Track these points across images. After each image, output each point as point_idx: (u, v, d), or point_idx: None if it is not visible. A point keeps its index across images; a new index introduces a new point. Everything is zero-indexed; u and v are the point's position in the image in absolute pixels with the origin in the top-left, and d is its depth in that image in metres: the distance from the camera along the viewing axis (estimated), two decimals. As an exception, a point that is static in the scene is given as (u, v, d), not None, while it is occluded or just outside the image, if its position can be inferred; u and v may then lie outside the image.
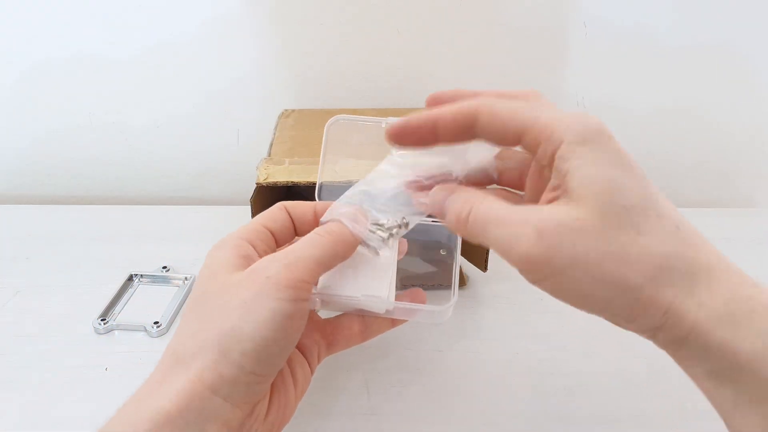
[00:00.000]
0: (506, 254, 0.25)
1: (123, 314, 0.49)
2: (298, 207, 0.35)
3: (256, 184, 0.48)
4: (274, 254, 0.30)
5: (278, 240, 0.34)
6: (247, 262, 0.30)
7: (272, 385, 0.30)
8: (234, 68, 0.68)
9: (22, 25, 0.65)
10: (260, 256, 0.31)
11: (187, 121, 0.71)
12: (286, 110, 0.67)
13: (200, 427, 0.26)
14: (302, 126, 0.62)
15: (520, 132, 0.26)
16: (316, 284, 0.32)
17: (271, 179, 0.48)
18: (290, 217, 0.35)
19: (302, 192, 0.68)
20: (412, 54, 0.67)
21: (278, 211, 0.35)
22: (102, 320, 0.48)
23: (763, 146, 0.73)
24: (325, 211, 0.35)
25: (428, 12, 0.64)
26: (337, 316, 0.36)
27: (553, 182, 0.26)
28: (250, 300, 0.28)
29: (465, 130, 0.27)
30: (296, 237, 0.35)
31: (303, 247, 0.30)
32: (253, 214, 0.47)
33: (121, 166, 0.74)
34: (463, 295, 0.51)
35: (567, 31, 0.65)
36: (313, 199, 0.69)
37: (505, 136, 0.27)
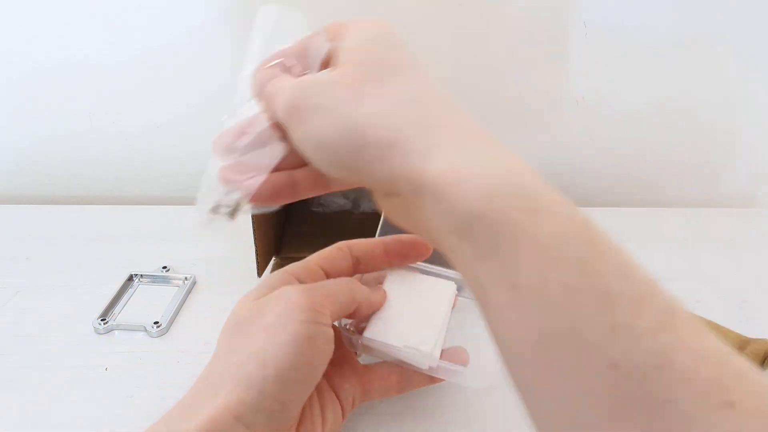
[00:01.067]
0: (277, 109, 0.27)
1: (123, 314, 0.49)
2: (363, 244, 0.36)
3: (256, 184, 0.47)
4: (297, 284, 0.32)
5: (332, 278, 0.35)
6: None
7: (300, 420, 0.30)
8: (234, 68, 0.68)
9: (22, 26, 0.65)
10: None
11: (187, 121, 0.71)
12: (286, 110, 0.67)
13: None
14: (302, 126, 0.62)
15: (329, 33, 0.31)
16: (337, 319, 0.32)
17: (271, 179, 0.48)
18: (352, 254, 0.35)
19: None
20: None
21: (336, 250, 0.36)
22: (102, 320, 0.48)
23: (763, 146, 0.73)
24: (392, 245, 0.36)
25: (428, 12, 0.64)
26: (377, 364, 0.36)
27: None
28: (272, 323, 0.29)
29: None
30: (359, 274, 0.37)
31: (327, 283, 0.32)
32: (253, 214, 0.47)
33: (121, 167, 0.74)
34: (463, 294, 0.51)
35: (567, 31, 0.65)
36: (314, 199, 0.69)
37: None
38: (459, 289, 0.37)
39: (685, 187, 0.76)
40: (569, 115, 0.71)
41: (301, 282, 0.33)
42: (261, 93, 0.30)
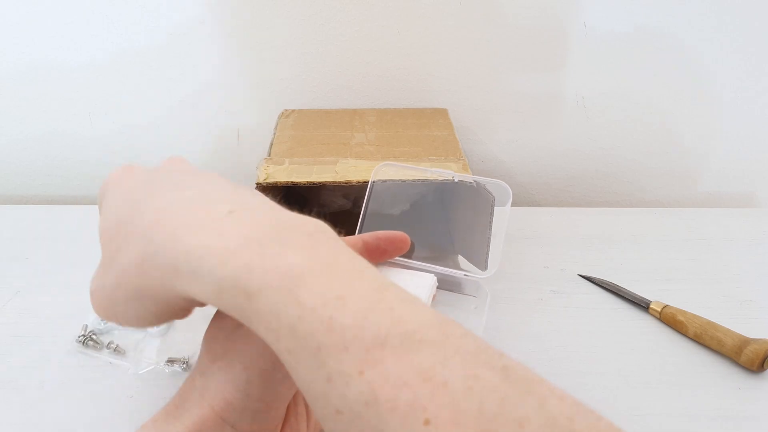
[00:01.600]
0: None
1: (123, 314, 0.49)
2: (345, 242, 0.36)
3: (256, 184, 0.48)
4: None
5: None
6: None
7: (285, 417, 0.31)
8: (234, 68, 0.68)
9: (22, 26, 0.65)
10: None
11: (188, 120, 0.71)
12: (286, 110, 0.67)
13: None
14: (302, 126, 0.62)
15: None
16: None
17: (271, 179, 0.48)
18: None
19: (302, 192, 0.68)
20: (412, 54, 0.67)
21: None
22: (102, 320, 0.48)
23: (763, 147, 0.73)
24: (371, 242, 0.36)
25: (428, 12, 0.64)
26: None
27: None
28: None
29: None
30: None
31: None
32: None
33: (121, 166, 0.74)
34: (463, 294, 0.51)
35: (567, 31, 0.65)
36: (312, 197, 0.69)
37: None
38: (438, 281, 0.37)
39: (685, 187, 0.76)
40: (569, 115, 0.71)
41: None
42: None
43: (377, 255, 0.36)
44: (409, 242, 0.37)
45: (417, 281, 0.36)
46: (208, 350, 0.30)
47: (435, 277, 0.36)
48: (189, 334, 0.47)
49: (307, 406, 0.33)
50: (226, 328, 0.30)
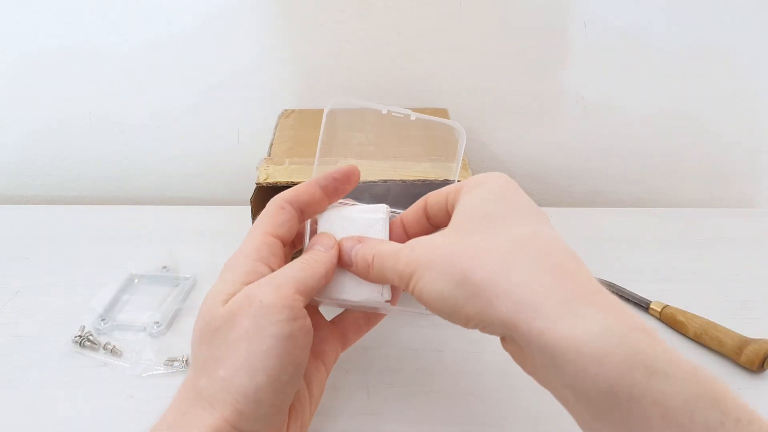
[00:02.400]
0: (392, 271, 0.30)
1: (123, 314, 0.49)
2: (300, 193, 0.35)
3: (256, 184, 0.48)
4: (263, 278, 0.30)
5: (285, 242, 0.34)
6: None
7: (291, 407, 0.31)
8: (234, 68, 0.68)
9: (22, 25, 0.65)
10: (274, 268, 0.32)
11: (187, 121, 0.71)
12: (286, 110, 0.67)
13: None
14: (302, 126, 0.62)
15: (445, 195, 0.33)
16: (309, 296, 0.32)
17: (271, 179, 0.48)
18: (294, 208, 0.34)
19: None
20: (412, 54, 0.67)
21: (279, 211, 0.34)
22: (102, 320, 0.48)
23: (762, 146, 0.73)
24: (327, 183, 0.36)
25: (428, 12, 0.64)
26: (342, 315, 0.38)
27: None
28: (250, 330, 0.28)
29: (423, 221, 0.35)
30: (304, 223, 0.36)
31: (291, 270, 0.31)
32: (253, 214, 0.47)
33: (121, 166, 0.74)
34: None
35: (567, 31, 0.65)
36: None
37: (439, 206, 0.33)
38: (389, 209, 0.37)
39: (686, 187, 0.76)
40: (569, 115, 0.71)
41: (261, 261, 0.31)
42: (363, 262, 0.32)
43: (336, 194, 0.36)
44: (359, 172, 0.37)
45: (370, 215, 0.36)
46: (204, 356, 0.29)
47: (387, 206, 0.37)
48: (188, 335, 0.47)
49: (308, 383, 0.33)
50: (216, 332, 0.29)
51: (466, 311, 0.26)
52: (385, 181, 0.47)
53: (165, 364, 0.44)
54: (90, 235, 0.62)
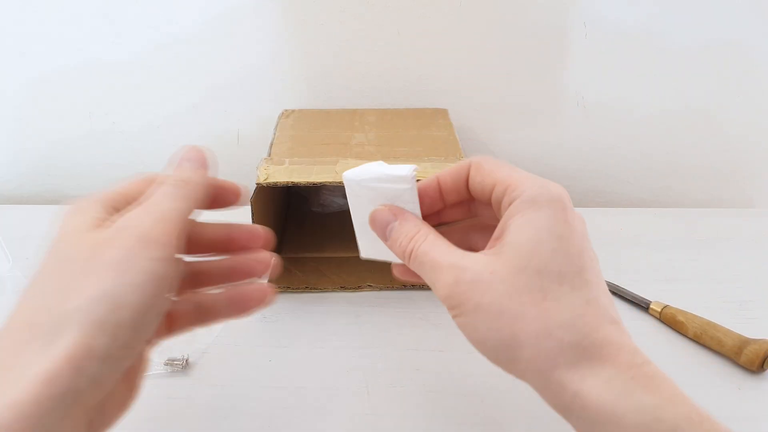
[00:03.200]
0: (434, 291, 0.29)
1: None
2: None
3: (256, 184, 0.48)
4: (138, 209, 0.27)
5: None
6: (110, 222, 0.27)
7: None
8: (234, 68, 0.68)
9: (21, 24, 0.65)
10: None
11: (187, 121, 0.71)
12: (286, 110, 0.67)
13: (62, 414, 0.22)
14: (302, 126, 0.62)
15: (494, 183, 0.29)
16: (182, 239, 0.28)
17: (271, 179, 0.48)
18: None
19: (302, 192, 0.68)
20: (412, 54, 0.67)
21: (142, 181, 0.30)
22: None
23: (762, 146, 0.73)
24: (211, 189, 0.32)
25: (428, 12, 0.64)
26: (175, 304, 0.33)
27: (496, 233, 0.28)
28: (122, 260, 0.24)
29: (462, 185, 0.31)
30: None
31: (165, 200, 0.27)
32: (254, 214, 0.47)
33: (121, 167, 0.74)
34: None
35: (567, 31, 0.65)
36: (312, 197, 0.69)
37: (483, 188, 0.30)
38: (415, 172, 0.33)
39: (686, 187, 0.76)
40: (569, 115, 0.71)
41: (115, 208, 0.28)
42: (399, 249, 0.31)
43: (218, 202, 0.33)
44: (240, 192, 0.33)
45: (396, 184, 0.32)
46: (54, 284, 0.25)
47: (413, 169, 0.32)
48: (188, 335, 0.47)
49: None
50: (72, 260, 0.25)
51: (508, 365, 0.27)
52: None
53: (165, 365, 0.44)
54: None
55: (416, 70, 0.68)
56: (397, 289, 0.53)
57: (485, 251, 0.28)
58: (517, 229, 0.27)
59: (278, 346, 0.47)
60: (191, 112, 0.70)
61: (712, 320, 0.46)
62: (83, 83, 0.68)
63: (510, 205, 0.28)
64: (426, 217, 0.32)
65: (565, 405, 0.25)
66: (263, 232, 0.34)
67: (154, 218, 0.26)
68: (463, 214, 0.34)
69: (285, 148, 0.56)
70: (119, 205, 0.28)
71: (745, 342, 0.44)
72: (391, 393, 0.42)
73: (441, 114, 0.66)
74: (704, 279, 0.55)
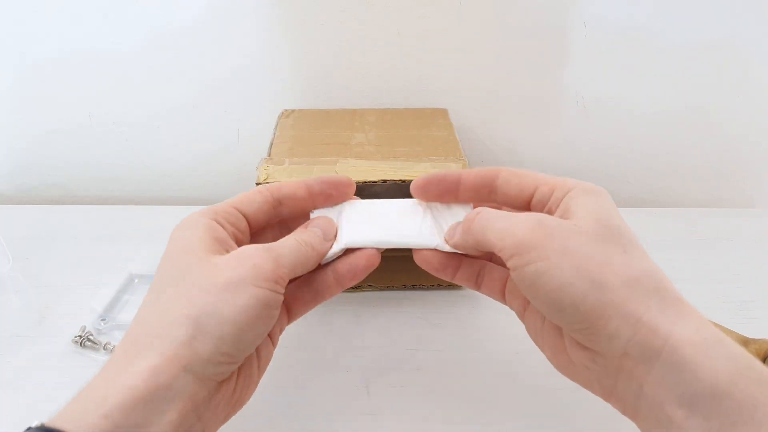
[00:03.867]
0: (502, 240, 0.29)
1: (123, 314, 0.49)
2: (284, 187, 0.35)
3: (256, 184, 0.48)
4: (259, 245, 0.31)
5: (252, 223, 0.34)
6: (220, 245, 0.31)
7: (240, 369, 0.31)
8: (234, 68, 0.68)
9: (20, 23, 0.65)
10: (232, 238, 0.32)
11: (187, 121, 0.71)
12: (286, 110, 0.67)
13: (168, 403, 0.26)
14: (302, 126, 0.62)
15: (536, 185, 0.31)
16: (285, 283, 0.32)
17: (271, 179, 0.48)
18: (273, 197, 0.35)
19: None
20: (412, 54, 0.67)
21: (256, 193, 0.35)
22: (102, 320, 0.48)
23: (762, 146, 0.73)
24: (315, 186, 0.36)
25: (428, 12, 0.64)
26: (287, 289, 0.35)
27: (557, 213, 0.30)
28: (234, 283, 0.28)
29: (485, 186, 0.33)
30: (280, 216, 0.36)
31: (287, 248, 0.31)
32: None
33: (121, 166, 0.74)
34: (463, 295, 0.51)
35: (567, 31, 0.65)
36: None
37: (521, 189, 0.32)
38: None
39: (686, 187, 0.76)
40: (569, 115, 0.71)
41: (222, 227, 0.32)
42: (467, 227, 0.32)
43: (323, 199, 0.36)
44: (354, 186, 0.37)
45: (406, 217, 0.36)
46: (170, 294, 0.28)
47: (419, 203, 0.37)
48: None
49: (258, 350, 0.32)
50: (190, 275, 0.29)
51: (587, 315, 0.26)
52: (384, 181, 0.47)
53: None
54: (90, 235, 0.62)
55: (416, 70, 0.68)
56: (397, 289, 0.53)
57: None
58: (584, 205, 0.29)
59: (278, 346, 0.47)
60: (191, 112, 0.70)
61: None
62: (83, 83, 0.68)
63: (565, 196, 0.30)
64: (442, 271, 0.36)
65: (653, 350, 0.25)
66: (347, 180, 0.37)
67: (272, 258, 0.30)
68: (470, 277, 0.38)
69: (285, 148, 0.56)
70: (231, 218, 0.33)
71: (745, 342, 0.44)
72: (391, 393, 0.42)
73: (441, 114, 0.66)
74: (704, 279, 0.55)
